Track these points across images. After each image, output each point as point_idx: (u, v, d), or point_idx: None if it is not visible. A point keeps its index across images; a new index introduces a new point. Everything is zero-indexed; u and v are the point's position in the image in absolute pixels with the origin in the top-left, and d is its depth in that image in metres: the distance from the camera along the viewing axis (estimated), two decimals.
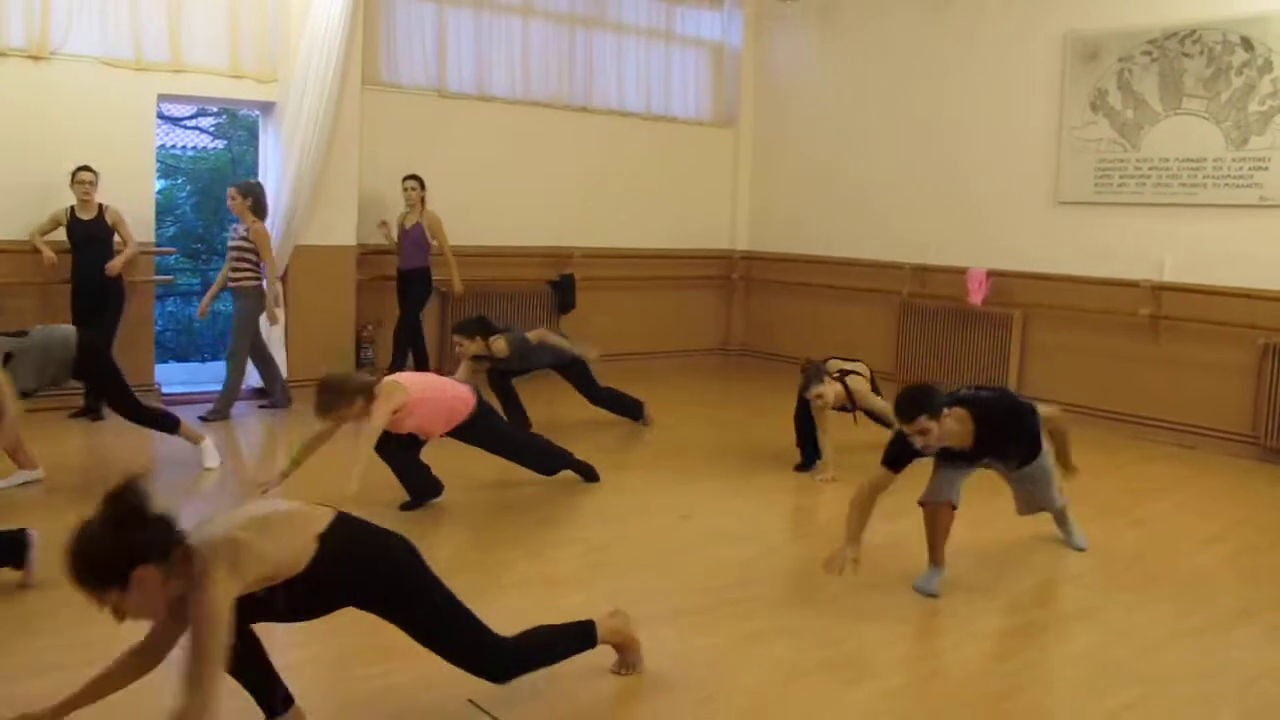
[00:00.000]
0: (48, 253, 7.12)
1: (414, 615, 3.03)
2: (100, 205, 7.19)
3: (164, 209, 10.73)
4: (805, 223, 10.44)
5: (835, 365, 6.64)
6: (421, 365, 8.39)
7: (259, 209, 7.58)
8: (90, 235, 7.16)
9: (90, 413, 7.15)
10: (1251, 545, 5.46)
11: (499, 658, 3.15)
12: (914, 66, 9.45)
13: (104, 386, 6.03)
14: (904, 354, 9.41)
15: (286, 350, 8.18)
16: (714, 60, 10.82)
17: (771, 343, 10.66)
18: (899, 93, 9.58)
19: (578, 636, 3.41)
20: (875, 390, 6.65)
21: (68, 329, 5.82)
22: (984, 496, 5.26)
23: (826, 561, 4.36)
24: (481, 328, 7.13)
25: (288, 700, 3.11)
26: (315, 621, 3.13)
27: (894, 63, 9.62)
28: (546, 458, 5.98)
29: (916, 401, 4.30)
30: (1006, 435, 4.55)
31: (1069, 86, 8.34)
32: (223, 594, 2.57)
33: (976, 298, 8.75)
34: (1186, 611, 4.44)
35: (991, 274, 8.72)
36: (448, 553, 4.76)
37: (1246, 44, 7.37)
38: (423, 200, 8.39)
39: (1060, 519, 5.19)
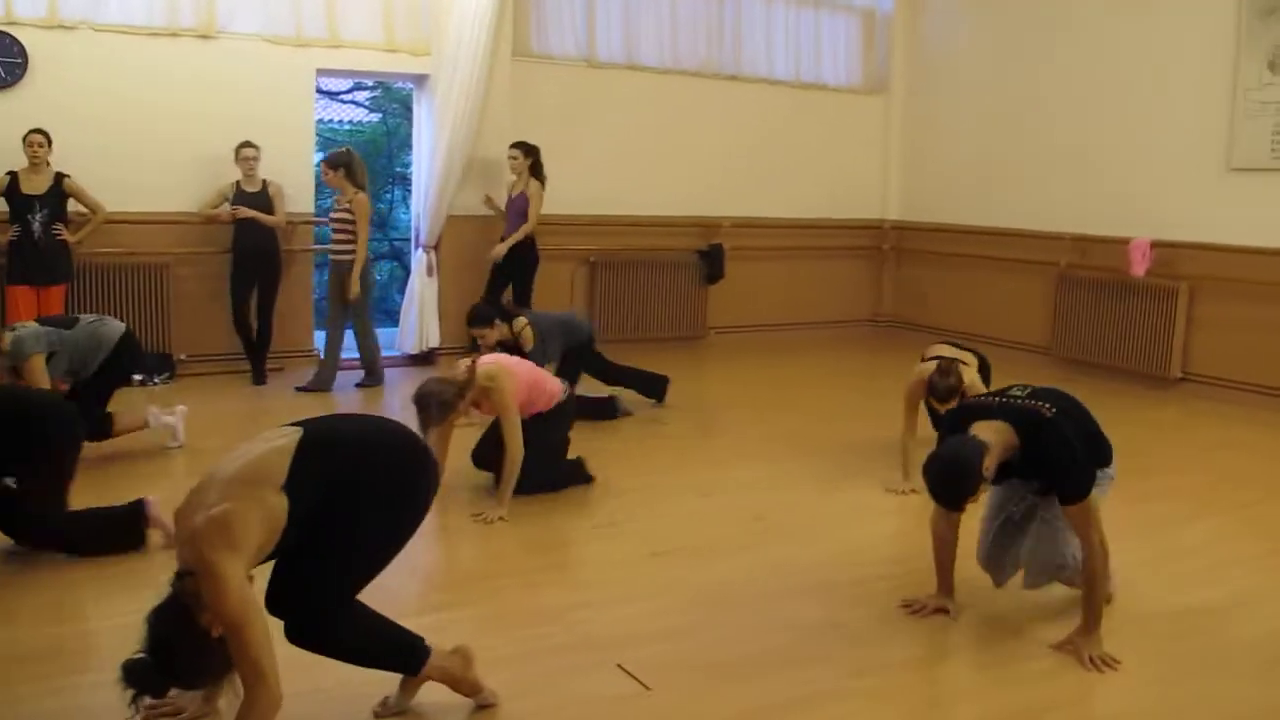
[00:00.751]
0: (226, 211, 7.38)
1: (331, 542, 2.77)
2: (264, 180, 7.45)
3: (322, 181, 11.07)
4: (958, 192, 10.17)
5: (947, 351, 5.75)
6: None
7: (354, 178, 7.38)
8: (254, 208, 7.42)
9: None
10: None
11: (329, 623, 2.81)
12: (1072, 27, 9.07)
13: (97, 391, 5.58)
14: (1061, 328, 9.10)
15: (439, 319, 8.35)
16: (864, 26, 10.59)
17: (923, 314, 10.44)
18: (1056, 56, 9.21)
19: (401, 653, 2.99)
20: (986, 381, 5.69)
21: (115, 329, 5.56)
22: None
23: (908, 602, 3.95)
24: (500, 311, 6.62)
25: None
26: (473, 582, 3.17)
27: (1051, 25, 9.25)
28: (558, 473, 5.35)
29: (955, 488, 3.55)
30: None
31: (1245, 44, 7.88)
32: (233, 579, 2.44)
33: (1139, 269, 8.38)
34: None
35: (1156, 245, 8.33)
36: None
37: None
38: (531, 169, 8.01)
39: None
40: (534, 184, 7.94)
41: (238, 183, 7.42)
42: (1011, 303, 9.39)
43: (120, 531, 4.25)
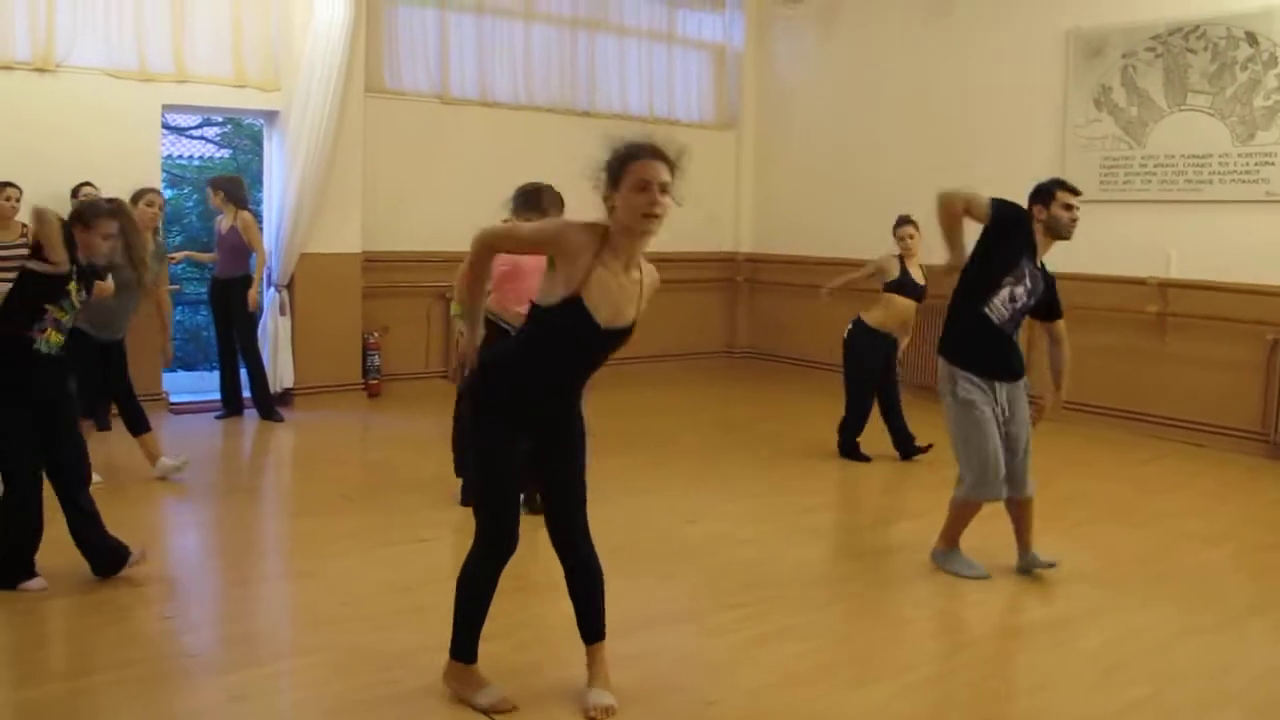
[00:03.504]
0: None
1: None
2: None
3: (171, 218, 10.77)
4: (808, 224, 10.42)
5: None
6: None
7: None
8: None
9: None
10: (1259, 543, 5.44)
11: None
12: (916, 67, 9.44)
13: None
14: (912, 355, 9.36)
15: (294, 357, 8.19)
16: (716, 63, 10.81)
17: (778, 344, 10.65)
18: (901, 94, 9.57)
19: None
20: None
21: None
22: None
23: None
24: None
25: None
26: (324, 622, 3.11)
27: (896, 64, 9.61)
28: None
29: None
30: None
31: (1073, 84, 8.32)
32: None
33: None
34: (1195, 609, 4.43)
35: None
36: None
37: (1251, 39, 7.35)
38: (236, 202, 7.74)
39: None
40: (244, 215, 7.70)
41: None
42: None
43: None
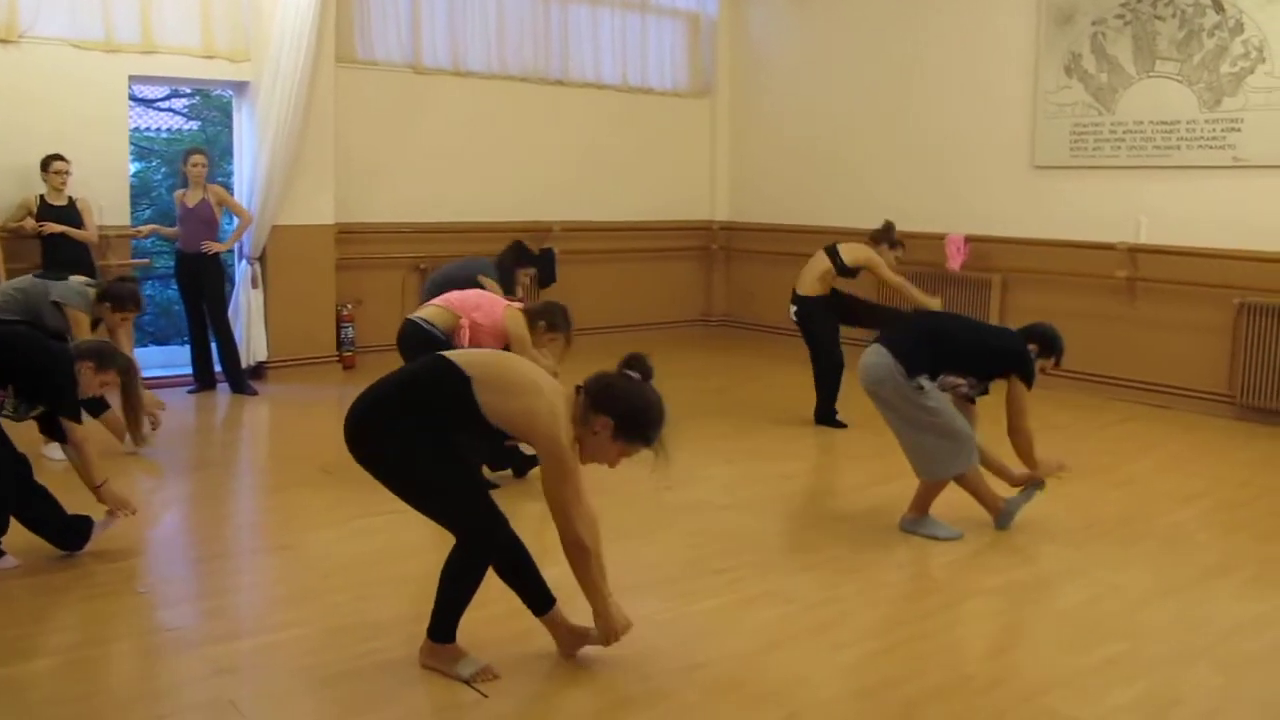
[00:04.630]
0: (30, 223, 7.03)
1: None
2: (70, 196, 7.13)
3: (139, 192, 10.67)
4: (783, 192, 10.45)
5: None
6: None
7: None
8: (62, 223, 7.08)
9: None
10: (1227, 501, 5.54)
11: None
12: (888, 34, 9.44)
13: None
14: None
15: (267, 331, 8.15)
16: (690, 31, 10.78)
17: (752, 313, 10.68)
18: (874, 61, 9.58)
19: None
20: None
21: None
22: None
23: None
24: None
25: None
26: (304, 595, 3.11)
27: (868, 31, 9.61)
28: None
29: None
30: None
31: (1044, 51, 8.35)
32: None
33: (956, 263, 8.79)
34: (1167, 568, 4.51)
35: (970, 239, 8.75)
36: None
37: (1218, 5, 7.39)
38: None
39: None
40: (214, 187, 7.71)
41: (42, 196, 7.07)
42: None
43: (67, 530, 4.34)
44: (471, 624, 3.42)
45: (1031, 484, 4.96)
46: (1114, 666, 3.56)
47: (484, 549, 3.35)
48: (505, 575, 3.46)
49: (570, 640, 3.50)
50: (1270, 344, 7.25)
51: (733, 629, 3.81)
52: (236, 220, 7.92)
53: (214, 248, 7.62)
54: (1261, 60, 7.24)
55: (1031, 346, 4.92)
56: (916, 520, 4.86)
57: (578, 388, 3.30)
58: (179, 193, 7.69)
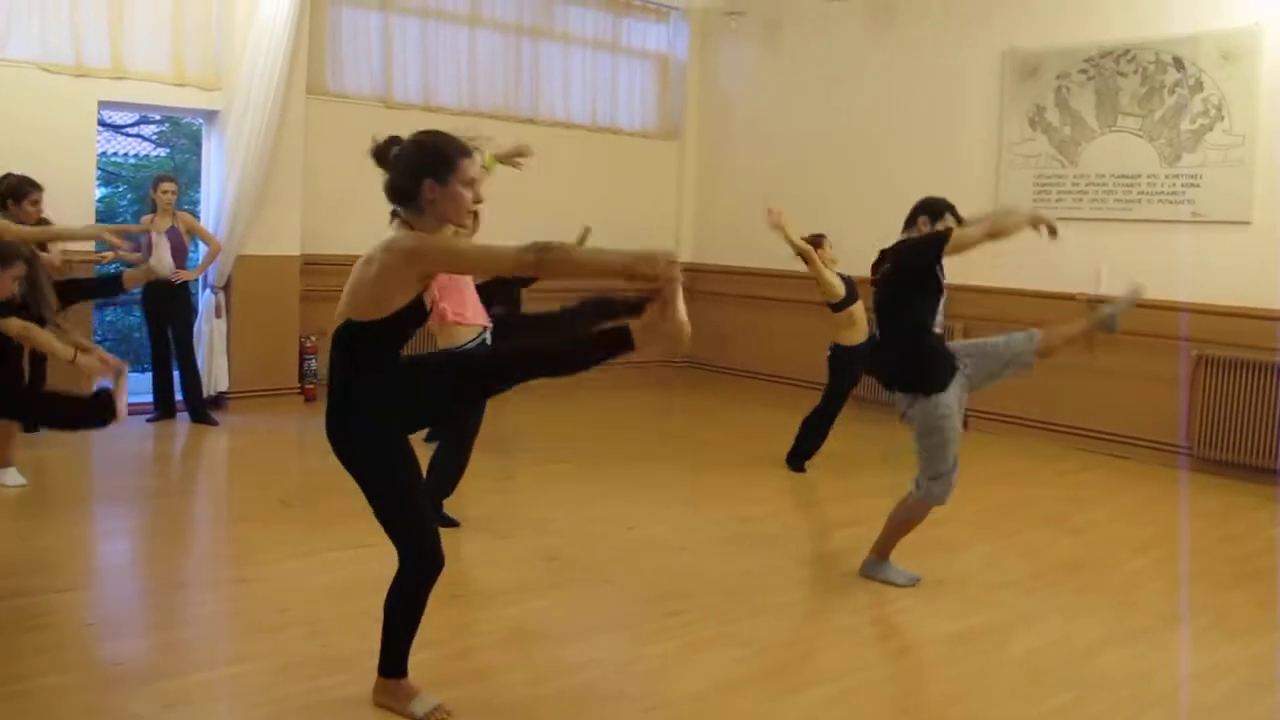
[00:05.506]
0: None
1: None
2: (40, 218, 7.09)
3: (105, 217, 10.58)
4: (749, 235, 10.48)
5: None
6: None
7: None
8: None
9: None
10: (1182, 551, 5.59)
11: None
12: (856, 81, 9.58)
13: None
14: None
15: (229, 361, 8.10)
16: (659, 72, 10.88)
17: (717, 354, 10.72)
18: (841, 107, 9.70)
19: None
20: None
21: None
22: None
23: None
24: None
25: None
26: (259, 629, 3.08)
27: (836, 77, 9.74)
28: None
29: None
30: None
31: (1008, 103, 8.49)
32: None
33: None
34: (1120, 617, 4.55)
35: None
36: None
37: (1178, 64, 7.55)
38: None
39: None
40: (183, 214, 7.64)
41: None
42: (801, 342, 9.74)
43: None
44: (426, 662, 3.40)
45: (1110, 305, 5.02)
46: (1065, 715, 3.58)
47: (425, 568, 3.27)
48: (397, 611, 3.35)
49: (386, 698, 3.37)
50: (1227, 396, 7.36)
51: (688, 671, 3.80)
52: (205, 248, 7.88)
53: (183, 276, 7.58)
54: (1220, 118, 7.39)
55: (922, 219, 5.16)
56: (875, 564, 4.88)
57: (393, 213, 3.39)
58: (146, 218, 7.63)
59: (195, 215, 8.08)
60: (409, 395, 3.21)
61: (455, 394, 3.40)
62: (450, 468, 5.33)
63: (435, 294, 5.27)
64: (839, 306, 6.97)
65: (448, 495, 5.32)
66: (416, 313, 3.19)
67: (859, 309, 7.00)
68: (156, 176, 7.87)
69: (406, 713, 3.30)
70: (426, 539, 3.26)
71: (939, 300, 4.85)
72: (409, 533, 3.26)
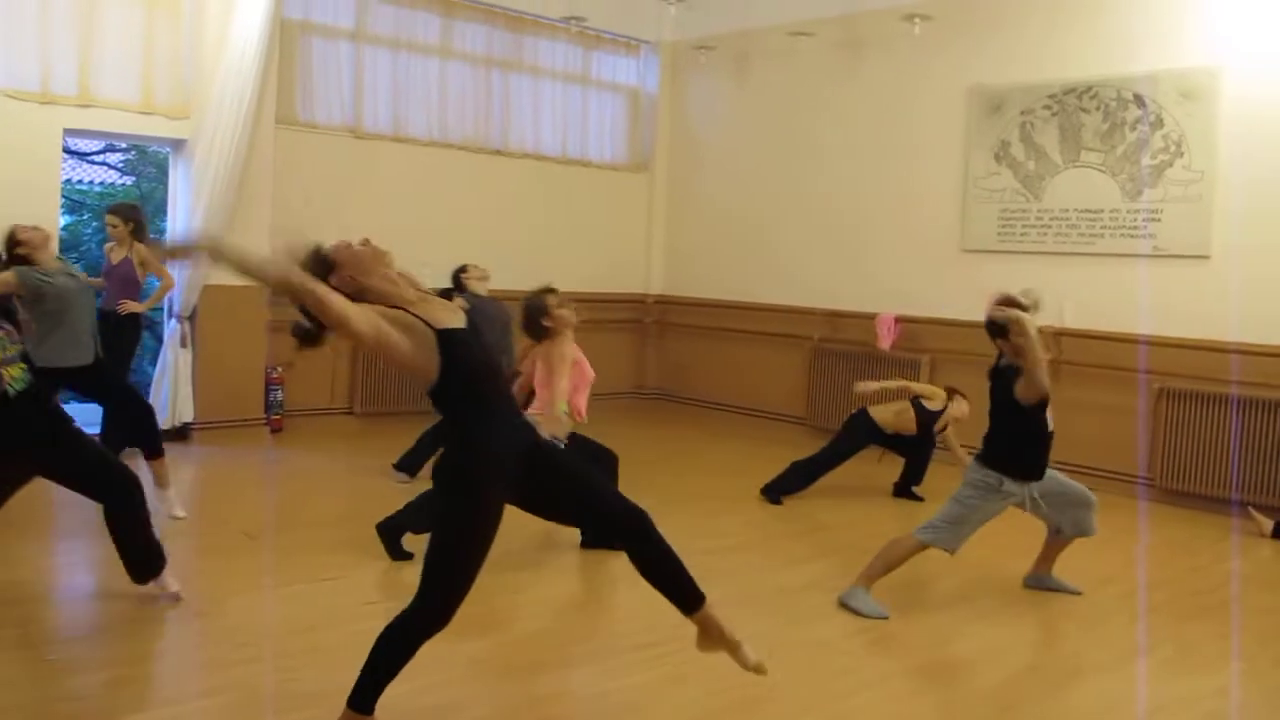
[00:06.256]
0: None
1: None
2: None
3: (69, 245, 10.53)
4: (718, 267, 10.56)
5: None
6: None
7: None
8: None
9: None
10: (1146, 583, 5.63)
11: None
12: (825, 116, 9.66)
13: None
14: (815, 398, 9.54)
15: (194, 391, 8.03)
16: (630, 105, 10.94)
17: (686, 386, 10.73)
18: (810, 141, 9.78)
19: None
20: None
21: None
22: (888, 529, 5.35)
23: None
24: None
25: None
26: (221, 664, 3.02)
27: (805, 112, 9.83)
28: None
29: None
30: None
31: (974, 137, 8.60)
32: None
33: (886, 343, 8.93)
34: (1087, 649, 4.57)
35: (900, 320, 8.91)
36: (368, 587, 4.69)
37: (1139, 100, 7.68)
38: (134, 233, 7.47)
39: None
40: (140, 247, 7.45)
41: None
42: (769, 374, 9.79)
43: None
44: (393, 696, 3.35)
45: None
46: None
47: (434, 624, 3.24)
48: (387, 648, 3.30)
49: None
50: (1189, 428, 7.45)
51: (657, 706, 3.78)
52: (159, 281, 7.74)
53: (131, 307, 7.38)
54: (1180, 154, 7.51)
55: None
56: (855, 592, 4.88)
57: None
58: (108, 246, 7.57)
59: (161, 245, 7.99)
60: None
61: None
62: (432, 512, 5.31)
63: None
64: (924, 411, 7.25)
65: (416, 533, 5.27)
66: (453, 370, 3.20)
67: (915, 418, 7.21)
68: (107, 208, 7.74)
69: None
70: (452, 602, 3.22)
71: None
72: (443, 589, 3.22)
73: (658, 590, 3.40)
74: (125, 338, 7.48)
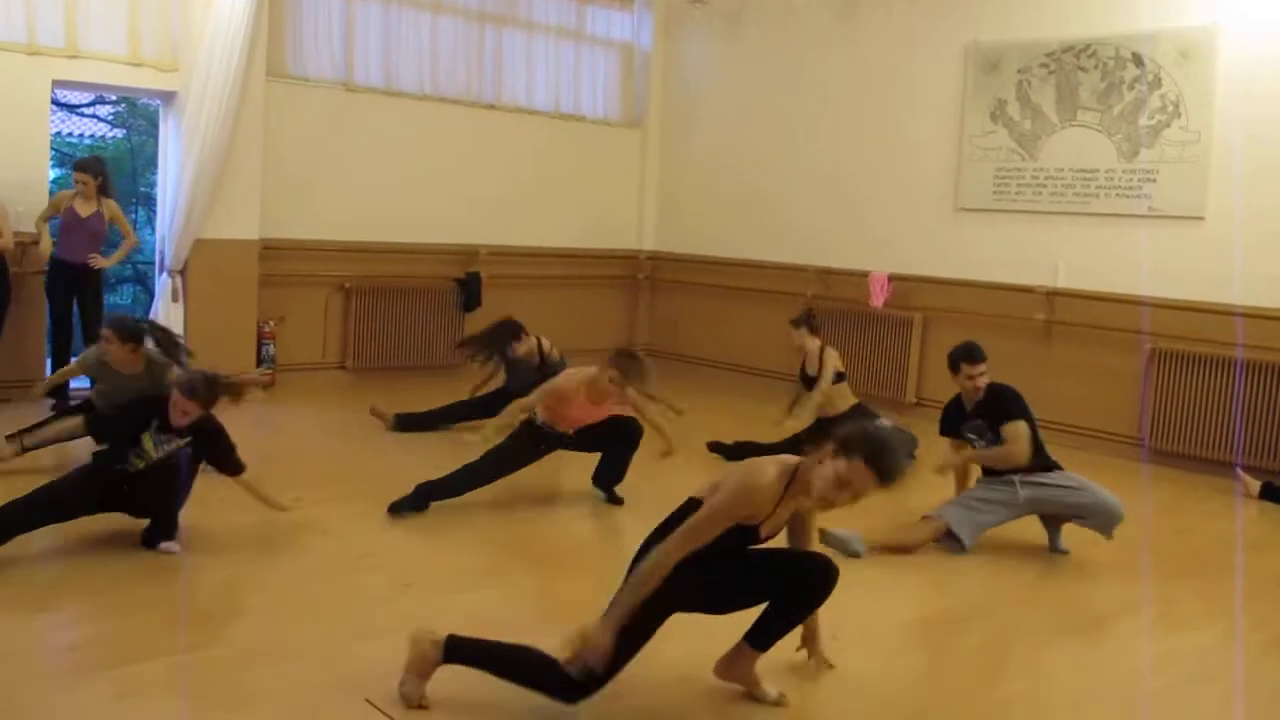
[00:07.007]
0: None
1: None
2: None
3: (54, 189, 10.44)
4: (711, 224, 10.52)
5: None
6: None
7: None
8: None
9: None
10: (1133, 544, 5.65)
11: None
12: (820, 72, 9.59)
13: None
14: None
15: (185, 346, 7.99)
16: (623, 61, 10.85)
17: (677, 344, 10.72)
18: (804, 97, 9.71)
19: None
20: None
21: None
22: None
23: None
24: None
25: None
26: (211, 621, 3.04)
27: (800, 68, 9.75)
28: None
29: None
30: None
31: (970, 96, 8.54)
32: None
33: (878, 301, 8.92)
34: (1070, 610, 4.60)
35: (893, 278, 8.89)
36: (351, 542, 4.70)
37: (1137, 60, 7.63)
38: (100, 189, 7.34)
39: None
40: (110, 202, 7.38)
41: None
42: (761, 331, 9.78)
43: None
44: (378, 650, 3.37)
45: None
46: (1019, 703, 3.61)
47: (573, 693, 3.26)
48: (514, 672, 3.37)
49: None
50: (1180, 389, 7.46)
51: (649, 660, 3.80)
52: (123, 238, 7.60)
53: (100, 262, 7.31)
54: (1177, 115, 7.48)
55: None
56: (853, 534, 5.04)
57: None
58: (67, 195, 7.32)
59: (152, 199, 7.95)
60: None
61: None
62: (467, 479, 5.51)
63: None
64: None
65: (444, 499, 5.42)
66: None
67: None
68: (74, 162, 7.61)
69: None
70: (602, 676, 3.23)
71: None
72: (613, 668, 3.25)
73: (763, 614, 3.55)
74: (92, 292, 7.38)
